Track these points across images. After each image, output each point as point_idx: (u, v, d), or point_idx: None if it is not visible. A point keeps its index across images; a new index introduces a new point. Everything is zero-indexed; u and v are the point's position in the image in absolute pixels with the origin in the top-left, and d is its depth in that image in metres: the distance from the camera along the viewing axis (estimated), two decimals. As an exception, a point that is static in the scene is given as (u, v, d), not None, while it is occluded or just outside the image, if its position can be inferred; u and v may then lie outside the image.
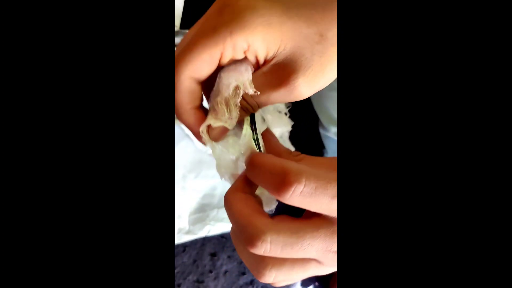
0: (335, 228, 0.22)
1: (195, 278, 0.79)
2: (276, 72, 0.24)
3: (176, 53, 0.24)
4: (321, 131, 0.68)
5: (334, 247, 0.21)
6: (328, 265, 0.22)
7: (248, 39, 0.22)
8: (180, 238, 0.72)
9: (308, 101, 0.65)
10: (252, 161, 0.24)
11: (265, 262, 0.22)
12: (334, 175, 0.21)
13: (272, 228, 0.21)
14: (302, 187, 0.20)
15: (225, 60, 0.24)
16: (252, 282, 0.84)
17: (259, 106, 0.25)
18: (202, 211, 0.72)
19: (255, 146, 0.26)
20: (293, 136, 0.90)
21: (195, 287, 0.79)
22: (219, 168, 0.27)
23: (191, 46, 0.23)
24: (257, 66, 0.25)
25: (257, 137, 0.26)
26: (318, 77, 0.24)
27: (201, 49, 0.23)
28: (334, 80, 0.25)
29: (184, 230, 0.72)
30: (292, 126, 0.89)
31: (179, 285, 0.78)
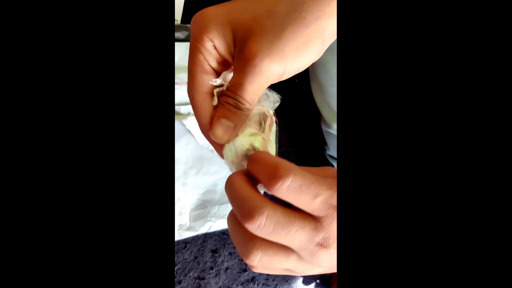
0: (317, 225, 0.24)
1: (196, 274, 0.79)
2: (240, 59, 0.26)
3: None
4: (323, 127, 0.68)
5: (315, 241, 0.24)
6: (306, 262, 0.25)
7: (209, 36, 0.26)
8: (181, 234, 0.72)
9: (310, 98, 0.65)
10: (253, 156, 0.26)
11: (254, 241, 0.24)
12: (321, 179, 0.24)
13: (270, 205, 0.23)
14: (289, 181, 0.23)
15: (214, 64, 0.28)
16: (253, 279, 0.84)
17: (243, 98, 0.27)
18: (203, 208, 0.72)
19: (259, 145, 0.28)
20: (294, 133, 0.90)
21: (196, 284, 0.79)
22: (227, 159, 0.29)
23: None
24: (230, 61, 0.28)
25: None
26: (278, 50, 0.25)
27: (191, 60, 0.27)
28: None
29: (185, 227, 0.72)
30: (293, 124, 0.89)
31: (180, 281, 0.78)
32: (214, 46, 0.26)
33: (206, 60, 0.27)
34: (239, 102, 0.27)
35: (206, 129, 0.28)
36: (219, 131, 0.27)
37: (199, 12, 0.27)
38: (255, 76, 0.25)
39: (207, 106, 0.28)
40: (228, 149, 0.28)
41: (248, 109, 0.28)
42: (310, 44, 0.25)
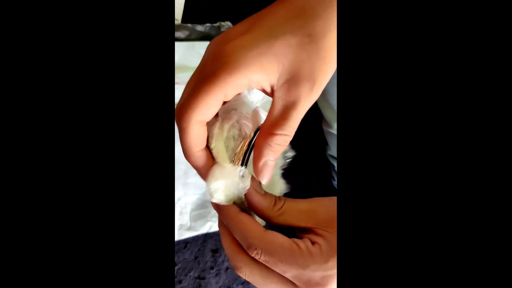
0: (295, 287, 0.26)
1: (196, 274, 0.79)
2: (289, 91, 0.25)
3: (180, 103, 0.26)
4: (324, 127, 0.68)
5: None
6: None
7: (247, 75, 0.24)
8: (181, 234, 0.72)
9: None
10: (226, 213, 0.28)
11: (241, 256, 0.27)
12: (292, 256, 0.25)
13: (248, 266, 0.27)
14: (259, 256, 0.25)
15: (229, 97, 0.26)
16: (253, 278, 0.84)
17: (291, 134, 0.27)
18: (203, 208, 0.72)
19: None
20: (295, 133, 0.90)
21: (197, 283, 0.79)
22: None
23: (196, 93, 0.25)
24: (265, 92, 0.27)
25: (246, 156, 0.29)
26: (323, 71, 0.25)
27: (206, 95, 0.24)
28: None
29: (186, 227, 0.72)
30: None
31: (180, 281, 0.78)
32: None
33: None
34: (288, 137, 0.27)
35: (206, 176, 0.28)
36: (268, 175, 0.28)
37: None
38: (301, 112, 0.26)
39: (203, 162, 0.27)
40: (220, 190, 0.28)
41: (287, 143, 0.28)
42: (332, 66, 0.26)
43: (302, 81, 0.25)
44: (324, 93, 0.60)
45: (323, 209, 0.28)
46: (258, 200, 0.28)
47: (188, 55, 0.66)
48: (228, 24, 0.76)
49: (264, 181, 0.28)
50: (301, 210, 0.28)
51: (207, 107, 0.25)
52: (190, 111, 0.25)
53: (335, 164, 0.72)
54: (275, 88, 0.26)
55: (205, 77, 0.25)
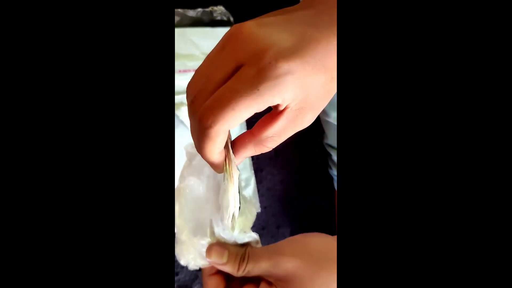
0: None
1: (193, 266, 0.78)
2: (293, 118, 0.26)
3: (211, 105, 0.25)
4: (321, 116, 0.66)
5: None
6: None
7: (284, 98, 0.24)
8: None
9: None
10: (202, 274, 0.34)
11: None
12: None
13: None
14: None
15: None
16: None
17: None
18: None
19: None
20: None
21: (194, 275, 0.78)
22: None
23: (233, 105, 0.24)
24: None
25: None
26: (322, 105, 0.27)
27: (245, 109, 0.24)
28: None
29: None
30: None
31: (177, 273, 0.77)
32: None
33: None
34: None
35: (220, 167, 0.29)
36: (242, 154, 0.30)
37: None
38: (295, 130, 0.27)
39: (220, 159, 0.28)
40: (191, 262, 0.33)
41: None
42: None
43: (306, 112, 0.27)
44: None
45: (281, 267, 0.31)
46: (223, 269, 0.33)
47: (179, 43, 0.64)
48: (221, 8, 0.72)
49: (238, 160, 0.30)
50: (261, 268, 0.32)
51: (240, 119, 0.25)
52: (223, 122, 0.24)
53: (332, 153, 0.71)
54: (287, 110, 0.26)
55: (247, 91, 0.24)
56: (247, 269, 0.32)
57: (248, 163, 0.66)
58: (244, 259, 0.32)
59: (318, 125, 0.72)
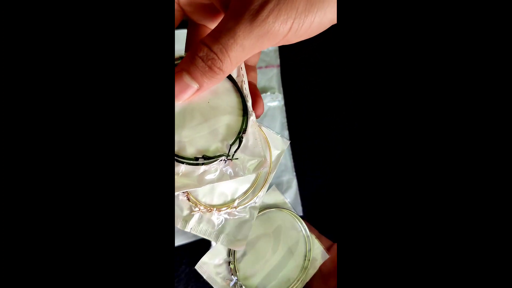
0: None
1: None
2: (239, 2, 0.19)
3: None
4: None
5: None
6: None
7: None
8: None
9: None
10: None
11: None
12: None
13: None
14: None
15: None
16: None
17: (226, 52, 0.20)
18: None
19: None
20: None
21: (192, 271, 0.79)
22: None
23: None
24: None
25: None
26: (292, 10, 0.19)
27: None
28: None
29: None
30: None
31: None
32: None
33: None
34: (217, 57, 0.20)
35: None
36: (177, 89, 0.22)
37: None
38: (254, 29, 0.19)
39: None
40: None
41: (224, 73, 0.21)
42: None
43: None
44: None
45: None
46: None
47: (179, 43, 0.64)
48: None
49: (178, 101, 0.23)
50: None
51: None
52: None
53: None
54: None
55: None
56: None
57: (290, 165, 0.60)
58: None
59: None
